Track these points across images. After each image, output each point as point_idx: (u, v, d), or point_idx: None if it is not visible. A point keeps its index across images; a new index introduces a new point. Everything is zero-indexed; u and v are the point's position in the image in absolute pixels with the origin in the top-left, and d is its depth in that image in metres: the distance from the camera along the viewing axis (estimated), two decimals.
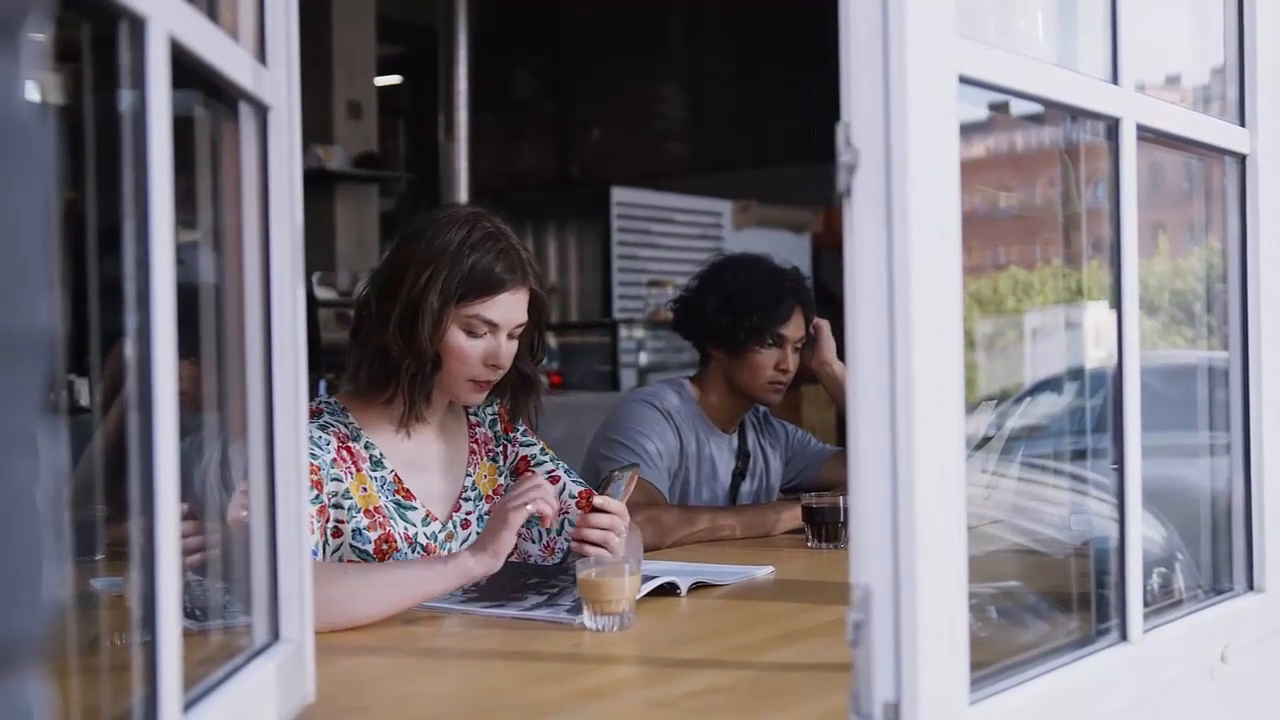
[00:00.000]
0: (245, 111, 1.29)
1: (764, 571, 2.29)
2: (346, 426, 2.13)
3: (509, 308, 2.11)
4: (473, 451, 2.27)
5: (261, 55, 1.31)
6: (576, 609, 1.84)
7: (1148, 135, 1.53)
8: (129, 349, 0.97)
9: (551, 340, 7.39)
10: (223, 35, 1.17)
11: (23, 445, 0.51)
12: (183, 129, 1.04)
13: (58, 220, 0.55)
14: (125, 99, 0.98)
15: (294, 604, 1.35)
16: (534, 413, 2.28)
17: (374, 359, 2.11)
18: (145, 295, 0.97)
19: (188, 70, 1.07)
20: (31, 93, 0.55)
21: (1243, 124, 1.76)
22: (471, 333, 2.10)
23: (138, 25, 0.96)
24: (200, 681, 1.14)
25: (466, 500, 2.23)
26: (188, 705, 1.05)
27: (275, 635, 1.33)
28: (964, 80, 1.21)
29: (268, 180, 1.32)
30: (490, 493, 2.26)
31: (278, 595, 1.34)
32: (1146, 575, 1.54)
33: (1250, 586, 1.76)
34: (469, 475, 2.25)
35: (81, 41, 0.99)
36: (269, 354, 1.32)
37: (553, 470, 2.29)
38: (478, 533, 2.19)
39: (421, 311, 2.06)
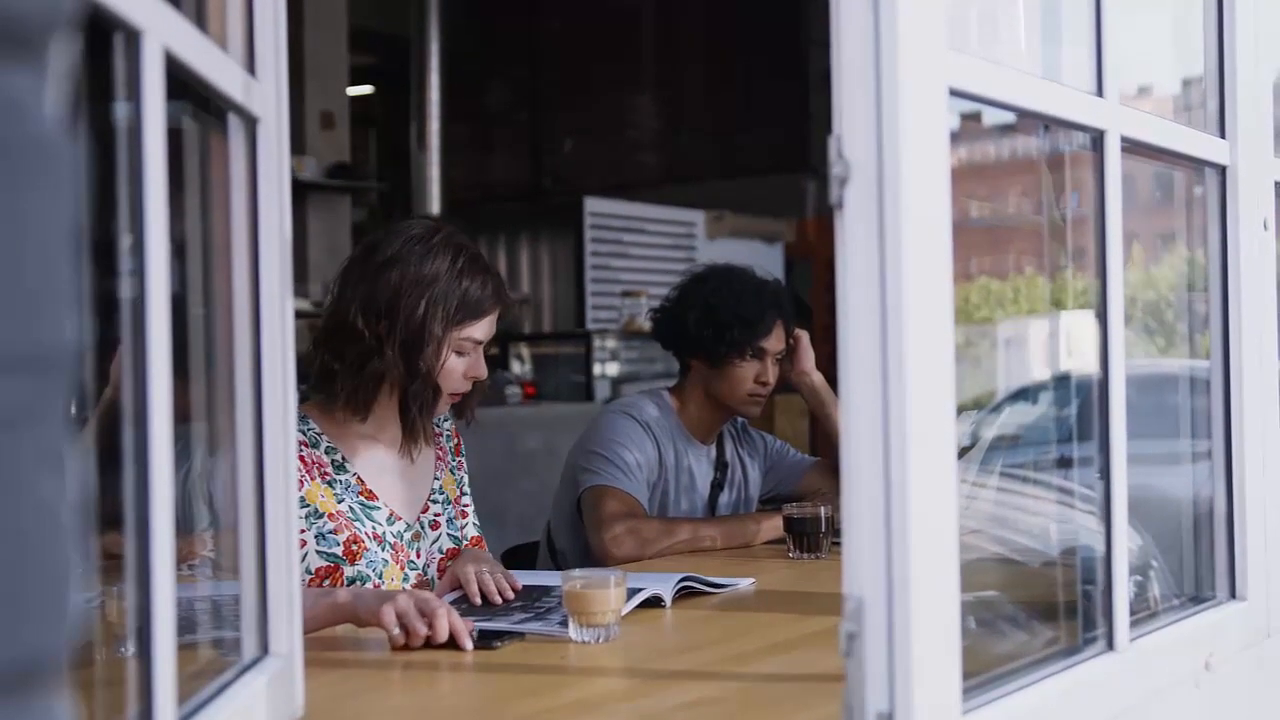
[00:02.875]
0: (234, 123, 1.29)
1: (746, 583, 2.29)
2: (305, 433, 2.16)
3: (491, 325, 2.23)
4: (439, 458, 2.34)
5: (251, 67, 1.30)
6: (566, 624, 1.84)
7: (1130, 147, 1.54)
8: (124, 361, 0.96)
9: (525, 351, 7.37)
10: (214, 47, 1.17)
11: (51, 463, 0.50)
12: (171, 140, 1.03)
13: (82, 236, 0.55)
14: (119, 110, 0.97)
15: (283, 618, 1.34)
16: (473, 411, 2.33)
17: (370, 383, 2.14)
18: (140, 306, 0.96)
19: (178, 81, 1.07)
20: (56, 109, 0.54)
21: (1223, 135, 1.77)
22: (461, 352, 2.19)
23: (133, 37, 0.96)
24: (191, 697, 1.13)
25: (435, 502, 2.29)
26: None
27: (265, 650, 1.33)
28: (954, 93, 1.21)
29: (256, 191, 1.32)
30: (454, 499, 2.34)
31: (267, 610, 1.33)
32: None
33: (1233, 595, 1.77)
34: (436, 479, 2.31)
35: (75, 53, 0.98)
36: (258, 366, 1.31)
37: (467, 505, 2.38)
38: (447, 534, 2.28)
39: (425, 340, 2.13)
